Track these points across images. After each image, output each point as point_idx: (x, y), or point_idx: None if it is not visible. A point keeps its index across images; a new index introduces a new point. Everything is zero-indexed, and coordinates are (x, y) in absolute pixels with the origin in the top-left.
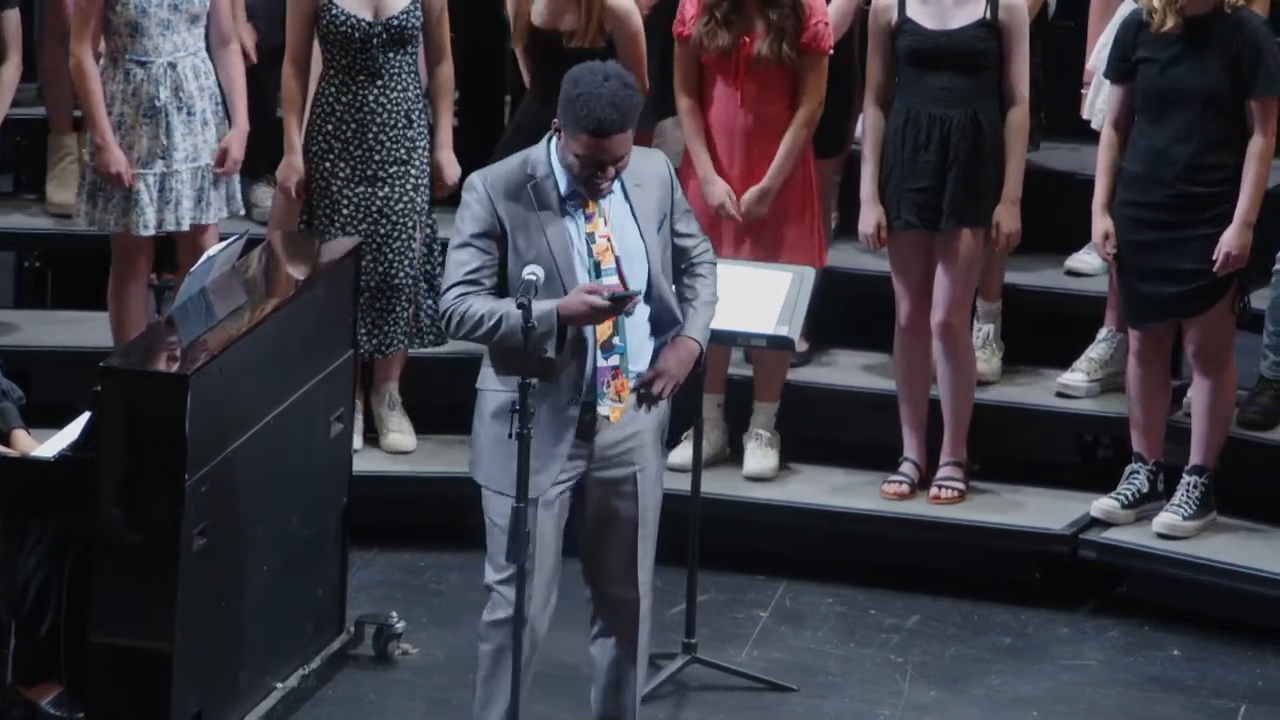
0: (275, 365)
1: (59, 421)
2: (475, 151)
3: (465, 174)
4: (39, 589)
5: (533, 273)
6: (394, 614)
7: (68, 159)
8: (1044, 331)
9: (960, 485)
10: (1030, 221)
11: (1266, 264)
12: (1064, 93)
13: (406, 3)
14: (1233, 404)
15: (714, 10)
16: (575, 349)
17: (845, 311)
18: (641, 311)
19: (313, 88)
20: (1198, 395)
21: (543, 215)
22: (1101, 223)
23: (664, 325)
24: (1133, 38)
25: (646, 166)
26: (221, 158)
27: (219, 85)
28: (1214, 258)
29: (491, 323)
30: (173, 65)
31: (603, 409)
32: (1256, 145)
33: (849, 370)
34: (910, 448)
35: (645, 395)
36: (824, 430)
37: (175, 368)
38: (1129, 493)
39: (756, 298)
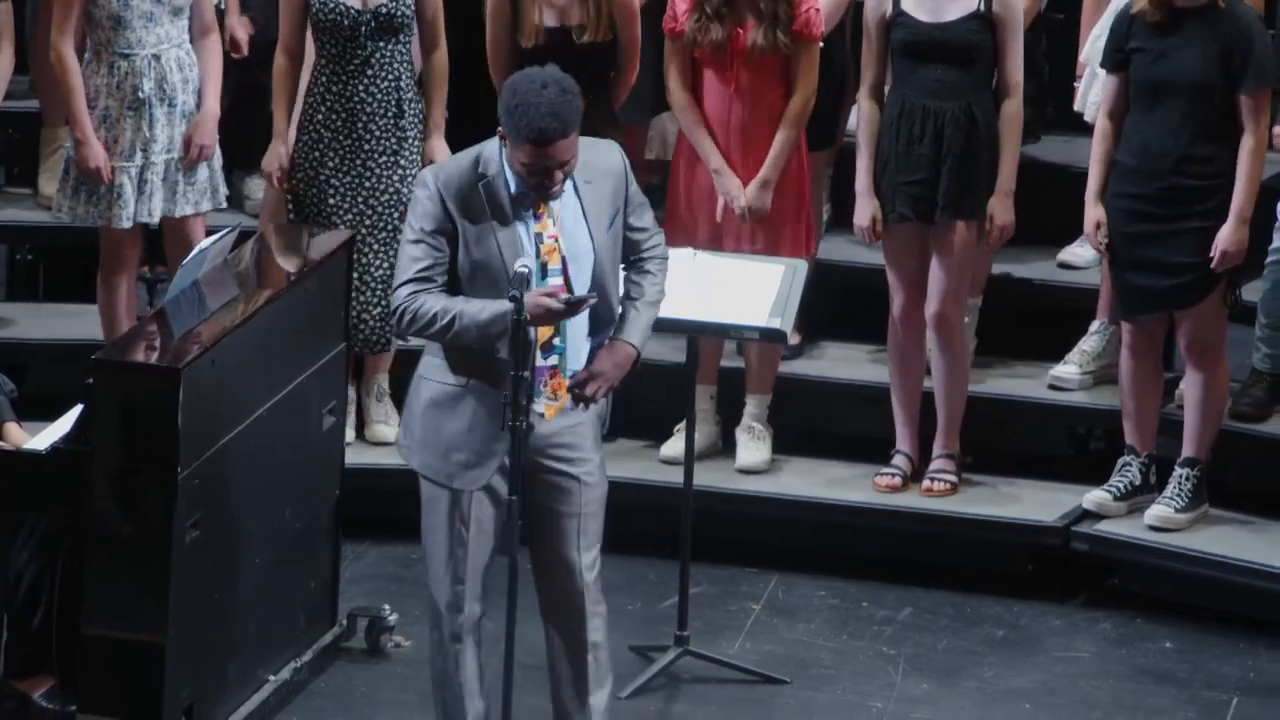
0: (267, 358)
1: (51, 414)
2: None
3: None
4: (31, 582)
5: (524, 265)
6: (386, 607)
7: (60, 151)
8: (1036, 324)
9: (953, 478)
10: (1022, 214)
11: (1259, 257)
12: (1056, 85)
13: None
14: (1225, 396)
15: (705, 6)
16: (520, 335)
17: (837, 304)
18: (585, 313)
19: (308, 77)
20: (1190, 388)
21: (493, 214)
22: (1094, 212)
23: (604, 323)
24: (1127, 28)
25: (599, 161)
26: (186, 144)
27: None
28: (1210, 254)
29: (444, 321)
30: (157, 57)
31: (538, 406)
32: (1249, 141)
33: (841, 362)
34: (903, 440)
35: (579, 396)
36: (816, 423)
37: (168, 360)
38: (1121, 485)
39: (749, 290)
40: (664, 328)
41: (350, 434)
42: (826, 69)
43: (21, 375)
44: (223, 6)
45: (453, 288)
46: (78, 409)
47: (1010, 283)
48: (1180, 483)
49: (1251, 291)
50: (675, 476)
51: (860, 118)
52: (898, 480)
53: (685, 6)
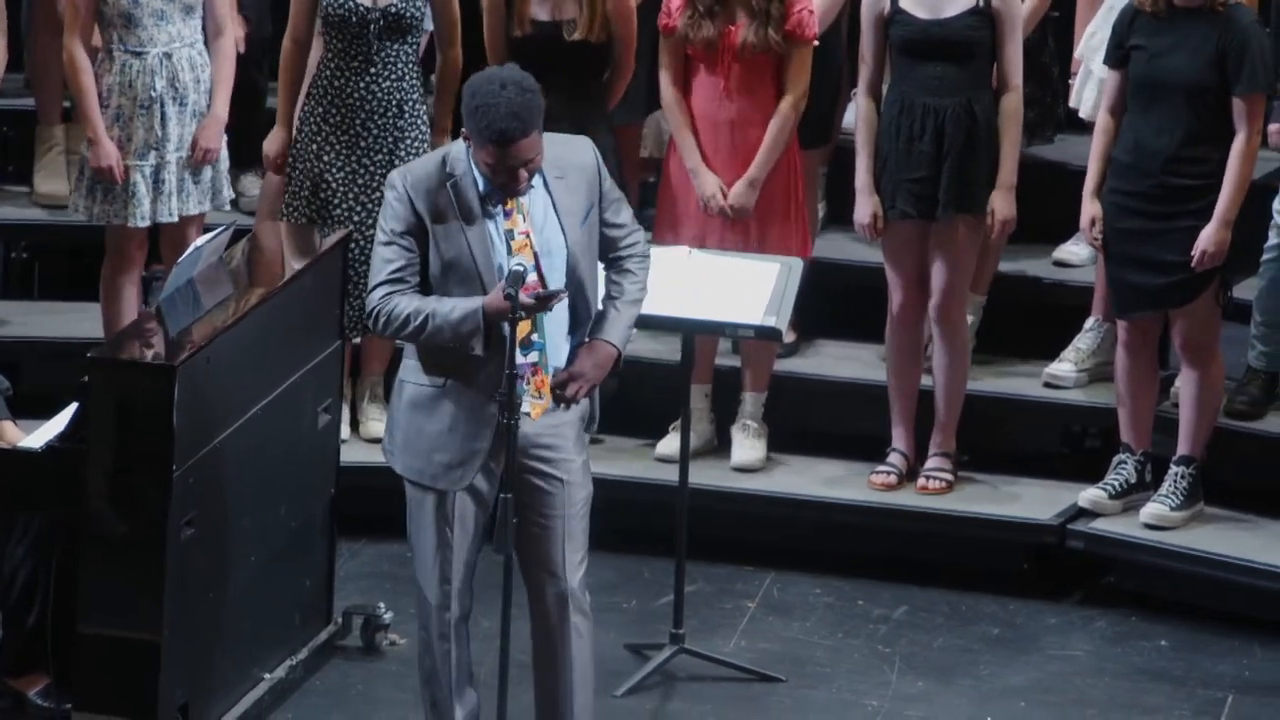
0: (263, 356)
1: (46, 412)
2: None
3: None
4: (26, 580)
5: (520, 264)
6: (381, 605)
7: (55, 150)
8: (1031, 322)
9: (948, 476)
10: (1018, 212)
11: (1253, 255)
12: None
13: None
14: (1220, 394)
15: (697, 3)
16: (495, 346)
17: (833, 302)
18: (562, 308)
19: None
20: (1185, 386)
21: (462, 213)
22: (1090, 208)
23: (584, 320)
24: (1128, 24)
25: (570, 157)
26: (193, 147)
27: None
28: (1192, 254)
29: (418, 321)
30: (168, 56)
31: (524, 406)
32: (1240, 144)
33: (836, 361)
34: (898, 438)
35: (559, 396)
36: (812, 421)
37: (163, 358)
38: (1117, 483)
39: (744, 288)
40: (659, 326)
41: (346, 431)
42: (822, 67)
43: (16, 373)
44: None
45: (425, 289)
46: (73, 407)
47: (1005, 281)
48: (1175, 481)
49: (1246, 289)
50: (670, 475)
51: (858, 115)
52: (893, 479)
53: (678, 3)
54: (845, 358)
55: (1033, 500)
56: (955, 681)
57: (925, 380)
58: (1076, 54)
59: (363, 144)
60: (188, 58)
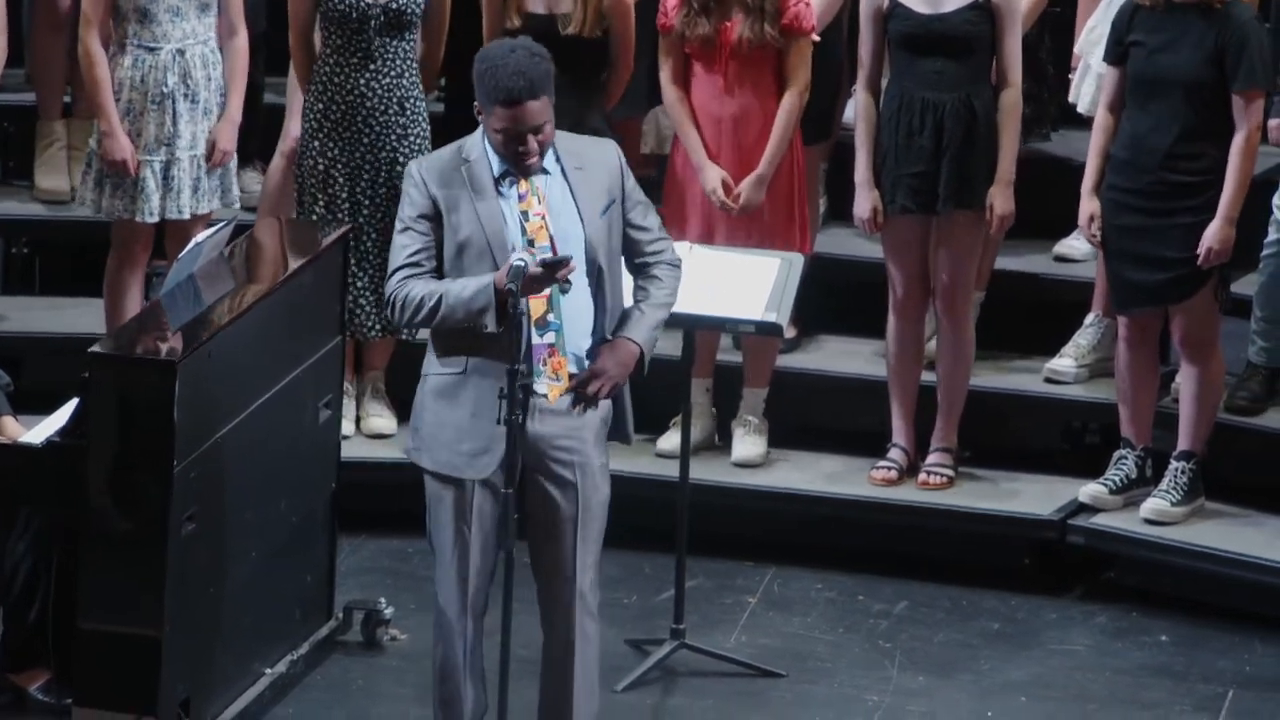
0: (263, 351)
1: (47, 408)
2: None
3: None
4: (27, 575)
5: (520, 258)
6: (382, 600)
7: (56, 145)
8: (1032, 317)
9: (949, 471)
10: (1018, 207)
11: (1253, 251)
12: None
13: None
14: (1220, 389)
15: (692, 0)
16: (510, 327)
17: (833, 297)
18: (581, 292)
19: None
20: (1185, 381)
21: (475, 194)
22: (1089, 205)
23: (609, 311)
24: (1128, 20)
25: (593, 152)
26: (210, 149)
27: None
28: (1197, 251)
29: (432, 303)
30: (181, 52)
31: (540, 387)
32: (1239, 140)
33: (837, 356)
34: (899, 434)
35: (580, 395)
36: (812, 416)
37: (164, 354)
38: (1117, 478)
39: (745, 284)
40: None
41: (349, 427)
42: (823, 62)
43: (17, 369)
44: None
45: (442, 274)
46: (74, 402)
47: (1006, 276)
48: (1176, 476)
49: (1246, 285)
50: (671, 470)
51: (857, 110)
52: (894, 474)
53: (674, 1)
54: (846, 353)
55: (1033, 495)
56: (956, 676)
57: (926, 376)
58: (1076, 49)
59: (365, 141)
60: (200, 55)
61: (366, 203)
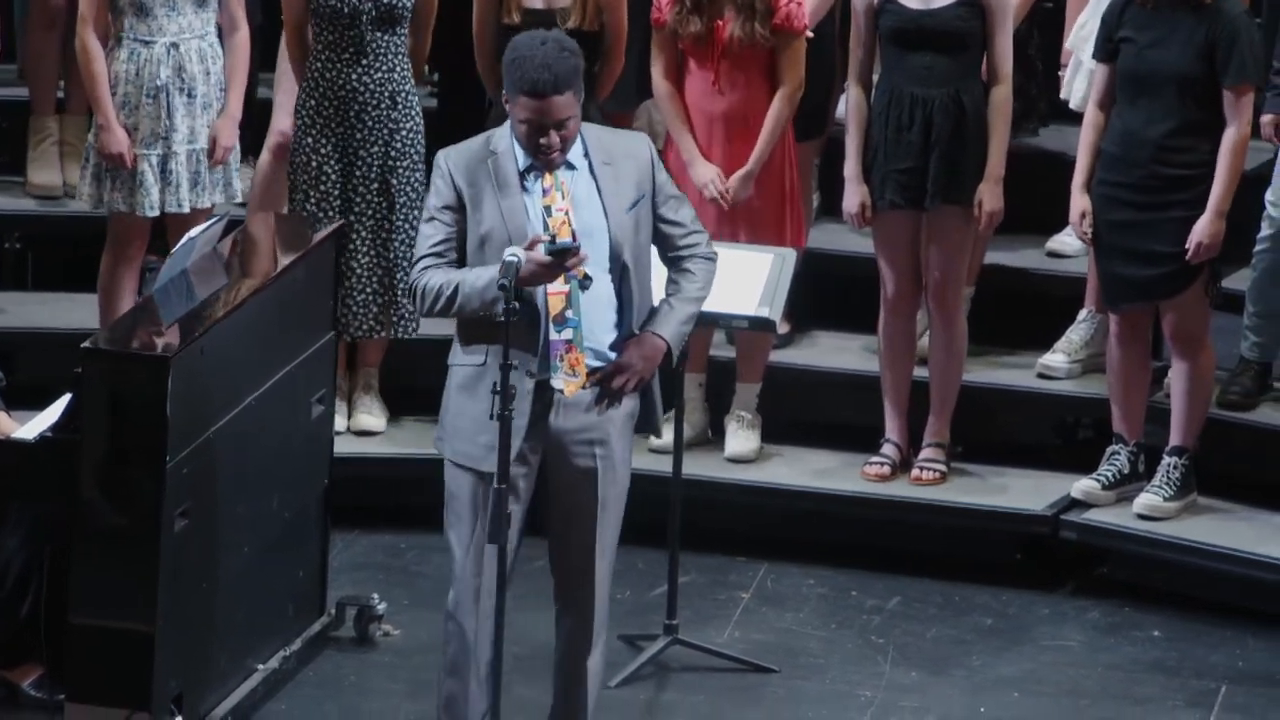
0: (256, 347)
1: (40, 403)
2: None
3: None
4: (20, 570)
5: (513, 254)
6: (375, 595)
7: (49, 140)
8: (1025, 313)
9: (942, 467)
10: (1011, 203)
11: (1245, 246)
12: (1046, 72)
13: None
14: (1211, 385)
15: None
16: (528, 322)
17: (826, 293)
18: (604, 289)
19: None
20: (1176, 377)
21: (499, 186)
22: (1080, 201)
23: (637, 307)
24: (1118, 17)
25: (623, 146)
26: (211, 145)
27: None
28: (1187, 245)
29: (449, 292)
30: (175, 46)
31: (557, 382)
32: (1230, 135)
33: (830, 351)
34: (892, 429)
35: (605, 390)
36: (805, 412)
37: (157, 349)
38: (1109, 474)
39: (738, 279)
40: None
41: (341, 423)
42: (816, 59)
43: (10, 364)
44: None
45: (464, 264)
46: (66, 398)
47: (999, 272)
48: (1168, 471)
49: (1239, 280)
50: (664, 466)
51: (849, 104)
52: (886, 469)
53: None
54: (839, 348)
55: (1026, 491)
56: (948, 672)
57: (919, 371)
58: (1067, 44)
59: (357, 136)
60: (197, 49)
61: (359, 200)
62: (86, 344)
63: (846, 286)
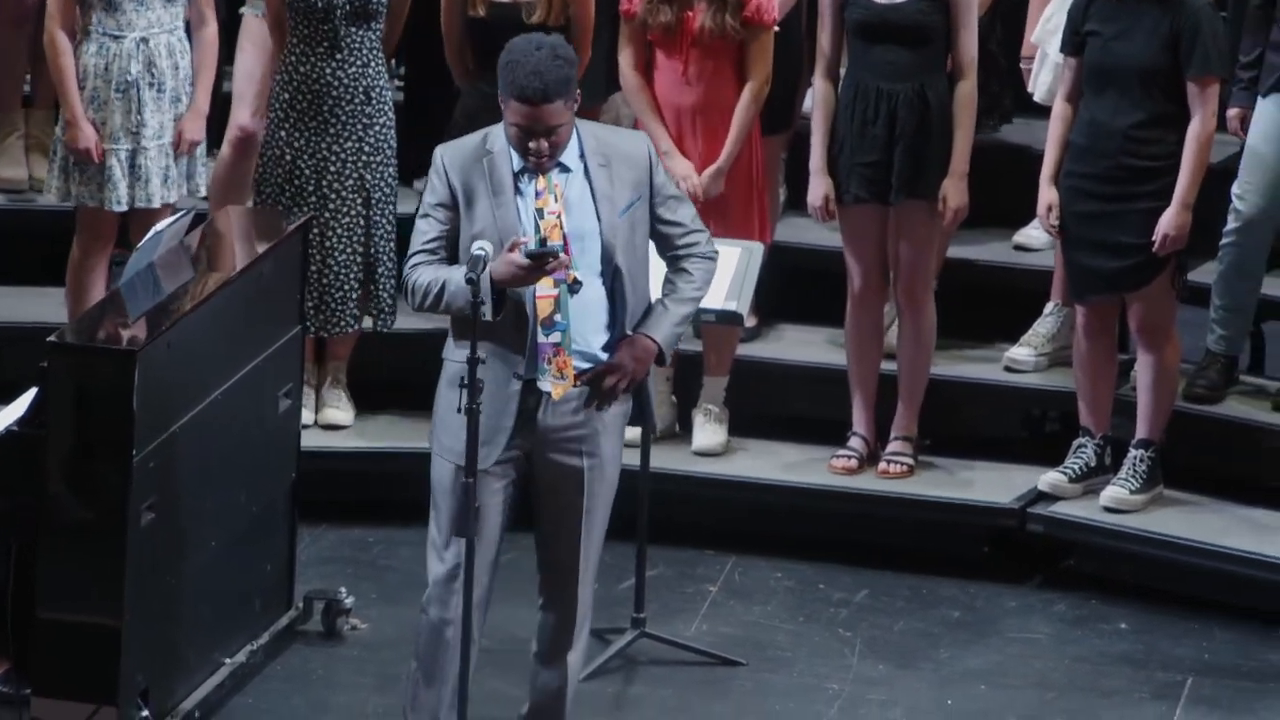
0: (223, 341)
1: (6, 397)
2: (425, 131)
3: (423, 151)
4: None
5: (481, 248)
6: (343, 589)
7: (15, 135)
8: (991, 306)
9: (909, 460)
10: (977, 197)
11: (1212, 240)
12: (1009, 68)
13: None
14: (1177, 377)
15: None
16: (516, 324)
17: (793, 287)
18: (595, 292)
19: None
20: (1142, 370)
21: (493, 187)
22: (1047, 194)
23: (631, 309)
24: (1083, 10)
25: (620, 146)
26: (177, 139)
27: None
28: (1153, 238)
29: (436, 289)
30: (145, 40)
31: (544, 385)
32: (1195, 127)
33: (797, 345)
34: (859, 422)
35: (598, 390)
36: (773, 405)
37: (123, 343)
38: (1076, 467)
39: None
40: None
41: (309, 417)
42: (783, 52)
43: None
44: None
45: (455, 262)
46: (32, 392)
47: (965, 265)
48: (1135, 464)
49: (1205, 274)
50: (632, 459)
51: (815, 98)
52: (853, 463)
53: None
54: (806, 342)
55: (993, 484)
56: (916, 665)
57: (886, 364)
58: (1033, 38)
59: (331, 131)
60: (166, 44)
61: (334, 196)
62: (52, 338)
63: (813, 280)
